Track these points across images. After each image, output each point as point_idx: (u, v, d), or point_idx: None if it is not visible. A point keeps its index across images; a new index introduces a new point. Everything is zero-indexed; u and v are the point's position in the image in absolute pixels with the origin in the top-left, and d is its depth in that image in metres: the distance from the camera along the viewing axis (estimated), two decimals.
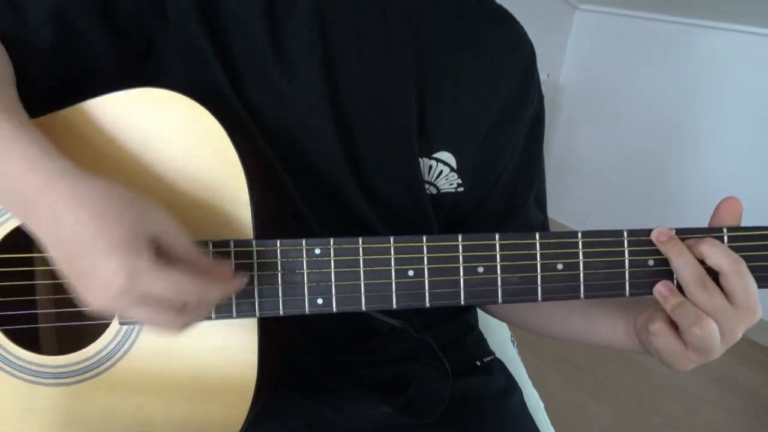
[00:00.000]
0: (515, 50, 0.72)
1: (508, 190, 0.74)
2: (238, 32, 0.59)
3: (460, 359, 0.76)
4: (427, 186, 0.68)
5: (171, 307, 0.45)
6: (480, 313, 0.87)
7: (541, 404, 0.86)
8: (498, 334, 0.95)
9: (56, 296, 0.63)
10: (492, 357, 0.81)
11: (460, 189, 0.69)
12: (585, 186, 2.71)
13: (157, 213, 0.47)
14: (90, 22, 0.56)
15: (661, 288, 0.53)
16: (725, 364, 2.06)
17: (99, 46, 0.57)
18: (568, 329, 0.70)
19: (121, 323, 0.55)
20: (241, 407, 0.55)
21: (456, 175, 0.68)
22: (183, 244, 0.47)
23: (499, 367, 0.80)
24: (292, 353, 0.69)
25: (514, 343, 0.97)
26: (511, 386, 0.78)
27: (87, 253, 0.43)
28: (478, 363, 0.79)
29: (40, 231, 0.46)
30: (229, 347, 0.55)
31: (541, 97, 0.75)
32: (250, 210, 0.54)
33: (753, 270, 0.51)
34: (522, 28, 0.73)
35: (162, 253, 0.45)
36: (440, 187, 0.69)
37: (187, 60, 0.59)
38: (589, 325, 0.66)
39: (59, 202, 0.44)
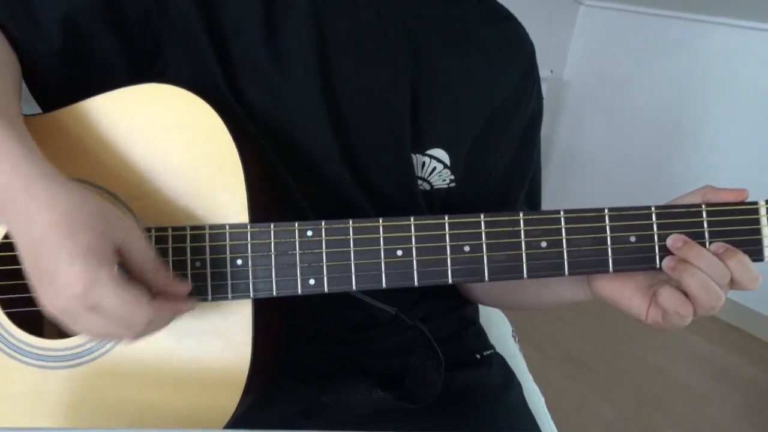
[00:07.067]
0: (515, 50, 0.72)
1: (500, 187, 0.75)
2: (237, 30, 0.61)
3: (459, 352, 0.76)
4: (420, 182, 0.68)
5: (119, 322, 0.47)
6: (481, 307, 0.87)
7: (542, 399, 0.86)
8: (499, 329, 0.95)
9: None
10: (492, 351, 0.81)
11: (452, 185, 0.70)
12: (589, 182, 2.69)
13: (126, 224, 0.49)
14: (100, 26, 0.58)
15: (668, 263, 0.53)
16: (727, 360, 2.05)
17: (109, 48, 0.60)
18: (542, 300, 0.72)
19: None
20: (232, 395, 0.56)
21: (449, 172, 0.69)
22: (145, 258, 0.49)
23: (499, 361, 0.80)
24: (290, 346, 0.70)
25: (515, 339, 0.96)
26: (510, 380, 0.78)
27: (52, 254, 0.45)
28: (478, 356, 0.79)
29: (12, 229, 0.48)
30: (224, 335, 0.56)
31: (540, 96, 0.75)
32: (246, 197, 0.55)
33: (736, 244, 0.52)
34: (523, 27, 0.73)
35: (123, 264, 0.47)
36: (433, 184, 0.69)
37: (189, 57, 0.61)
38: (553, 290, 0.68)
39: (34, 203, 0.46)
